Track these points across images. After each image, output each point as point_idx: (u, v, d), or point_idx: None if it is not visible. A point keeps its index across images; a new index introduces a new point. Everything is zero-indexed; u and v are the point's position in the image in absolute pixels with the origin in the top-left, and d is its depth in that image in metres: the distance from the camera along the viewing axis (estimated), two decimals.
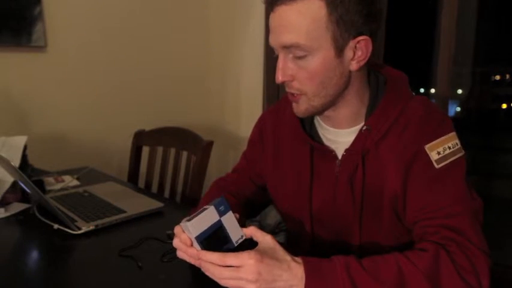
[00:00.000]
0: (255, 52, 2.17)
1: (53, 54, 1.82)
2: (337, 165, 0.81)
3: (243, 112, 2.32)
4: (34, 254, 0.87)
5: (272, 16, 0.74)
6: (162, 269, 0.80)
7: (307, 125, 0.87)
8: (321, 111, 0.80)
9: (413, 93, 0.82)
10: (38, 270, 0.81)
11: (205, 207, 0.67)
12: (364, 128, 0.78)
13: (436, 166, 0.73)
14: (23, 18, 1.70)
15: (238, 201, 0.95)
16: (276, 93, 2.05)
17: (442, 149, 0.74)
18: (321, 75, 0.73)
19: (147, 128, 1.68)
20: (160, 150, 1.59)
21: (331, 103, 0.78)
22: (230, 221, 0.68)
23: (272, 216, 2.01)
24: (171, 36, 2.25)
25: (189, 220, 0.65)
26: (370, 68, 0.83)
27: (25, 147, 1.30)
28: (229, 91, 2.39)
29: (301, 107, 0.78)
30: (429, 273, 0.64)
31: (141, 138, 1.67)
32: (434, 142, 0.74)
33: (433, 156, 0.73)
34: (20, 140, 1.30)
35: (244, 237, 0.69)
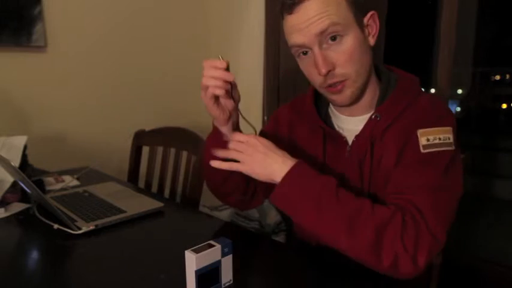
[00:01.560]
0: (255, 52, 2.17)
1: (53, 54, 1.82)
2: (348, 150, 0.87)
3: (243, 112, 2.31)
4: (34, 254, 0.87)
5: (291, 17, 0.79)
6: (162, 269, 0.80)
7: (321, 115, 0.93)
8: (359, 96, 0.85)
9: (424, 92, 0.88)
10: (38, 270, 0.81)
11: (212, 243, 0.68)
12: (373, 116, 0.84)
13: (422, 151, 0.78)
14: (23, 18, 1.70)
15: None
16: (276, 93, 2.05)
17: (433, 137, 0.78)
18: (358, 53, 0.79)
19: (147, 128, 1.68)
20: (160, 150, 1.59)
21: (365, 87, 0.84)
22: (227, 263, 0.70)
23: (272, 216, 2.01)
24: (171, 36, 2.25)
25: (195, 252, 0.65)
26: (379, 66, 0.90)
27: (25, 147, 1.30)
28: None
29: (346, 93, 0.82)
30: (379, 222, 0.71)
31: (141, 138, 1.67)
32: (426, 129, 0.79)
33: (422, 141, 0.78)
34: (20, 140, 1.30)
35: (231, 281, 0.71)
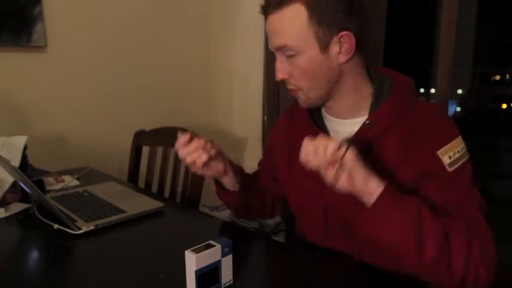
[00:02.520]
0: (255, 53, 2.17)
1: (53, 54, 1.82)
2: None
3: (243, 113, 2.32)
4: (34, 254, 0.87)
5: (266, 23, 0.85)
6: (162, 269, 0.80)
7: (315, 118, 0.95)
8: (320, 103, 0.89)
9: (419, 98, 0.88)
10: (38, 270, 0.81)
11: (212, 243, 0.68)
12: (367, 122, 0.84)
13: (449, 170, 0.79)
14: (23, 18, 1.70)
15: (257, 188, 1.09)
16: (276, 93, 2.05)
17: (453, 153, 0.80)
18: (311, 71, 0.83)
19: (147, 128, 1.68)
20: (160, 150, 1.59)
21: (328, 94, 0.87)
22: (227, 263, 0.70)
23: None
24: (171, 36, 2.25)
25: (195, 252, 0.65)
26: (370, 68, 0.90)
27: (25, 147, 1.30)
28: (229, 91, 2.39)
29: (301, 101, 0.88)
30: (465, 257, 0.72)
31: (141, 138, 1.67)
32: (445, 147, 0.80)
33: (445, 160, 0.79)
34: (20, 140, 1.30)
35: (231, 281, 0.71)
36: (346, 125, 0.89)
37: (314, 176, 0.86)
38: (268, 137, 1.13)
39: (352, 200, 0.83)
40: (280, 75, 0.85)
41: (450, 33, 1.67)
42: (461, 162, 0.80)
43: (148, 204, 1.14)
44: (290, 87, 0.87)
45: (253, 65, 2.19)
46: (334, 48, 0.81)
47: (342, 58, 0.83)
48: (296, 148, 0.95)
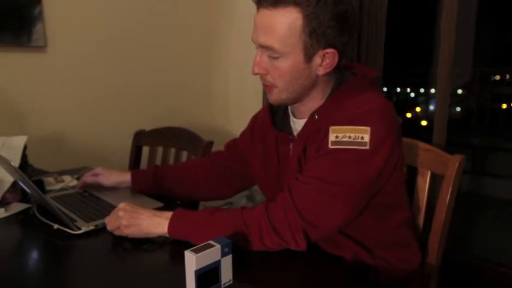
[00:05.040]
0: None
1: (53, 54, 1.82)
2: (291, 148, 0.93)
3: (242, 113, 2.32)
4: (34, 254, 0.87)
5: (256, 15, 0.84)
6: (162, 268, 0.80)
7: (280, 116, 1.00)
8: (288, 103, 0.93)
9: (378, 91, 0.89)
10: (38, 270, 0.81)
11: (212, 243, 0.68)
12: (314, 114, 0.88)
13: (329, 146, 0.81)
14: (23, 18, 1.70)
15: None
16: None
17: (342, 135, 0.81)
18: (290, 75, 0.84)
19: (147, 128, 1.68)
20: (160, 150, 1.59)
21: (298, 98, 0.90)
22: (227, 263, 0.70)
23: None
24: (171, 36, 2.25)
25: (195, 252, 0.65)
26: (343, 68, 0.93)
27: (25, 147, 1.30)
28: (228, 92, 2.39)
29: (272, 97, 0.90)
30: (247, 223, 0.81)
31: (141, 138, 1.67)
32: (339, 127, 0.81)
33: (331, 137, 0.81)
34: (20, 140, 1.30)
35: (231, 281, 0.71)
36: (301, 123, 0.92)
37: (274, 168, 0.97)
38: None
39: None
40: (257, 69, 0.86)
41: (450, 33, 1.67)
42: (344, 146, 0.80)
43: (148, 204, 1.14)
44: (265, 82, 0.89)
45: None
46: (317, 60, 0.83)
47: (321, 71, 0.85)
48: (265, 142, 1.02)
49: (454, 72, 1.71)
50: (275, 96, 0.89)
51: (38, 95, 1.81)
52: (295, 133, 0.95)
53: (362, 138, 0.79)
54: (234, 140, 1.18)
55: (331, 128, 0.82)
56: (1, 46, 1.68)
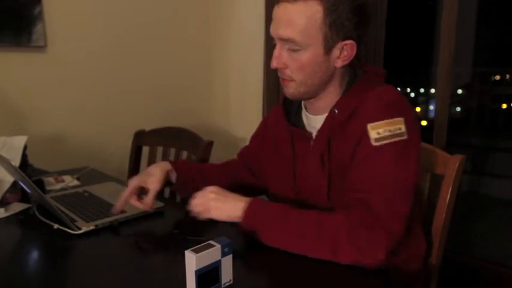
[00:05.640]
0: (254, 54, 2.17)
1: (53, 54, 1.82)
2: (311, 145, 0.93)
3: (242, 113, 2.32)
4: (34, 254, 0.87)
5: (276, 9, 0.85)
6: (162, 269, 0.80)
7: (292, 113, 1.01)
8: (305, 98, 0.94)
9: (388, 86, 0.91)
10: (38, 270, 0.81)
11: (212, 243, 0.68)
12: (332, 110, 0.89)
13: (373, 144, 0.82)
14: (23, 18, 1.70)
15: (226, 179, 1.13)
16: (275, 93, 2.05)
17: (383, 130, 0.82)
18: (309, 68, 0.86)
19: (147, 128, 1.68)
20: (160, 150, 1.59)
21: (315, 92, 0.91)
22: (227, 263, 0.70)
23: None
24: (171, 37, 2.25)
25: (195, 252, 0.65)
26: (354, 66, 0.94)
27: (25, 147, 1.30)
28: (228, 92, 2.39)
29: (289, 91, 0.91)
30: (329, 236, 0.77)
31: (141, 138, 1.67)
32: (376, 123, 0.82)
33: (373, 134, 0.82)
34: (20, 140, 1.30)
35: (231, 281, 0.71)
36: (319, 120, 0.93)
37: (290, 165, 0.97)
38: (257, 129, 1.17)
39: (315, 185, 0.91)
40: (276, 63, 0.87)
41: (450, 33, 1.67)
42: (389, 140, 0.81)
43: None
44: (283, 76, 0.89)
45: (253, 65, 2.19)
46: (335, 52, 0.85)
47: (339, 63, 0.87)
48: (278, 144, 1.02)
49: (454, 72, 1.71)
50: (293, 90, 0.90)
51: (38, 95, 1.81)
52: (308, 129, 0.96)
53: (400, 129, 0.82)
54: (247, 147, 1.19)
55: (369, 125, 0.82)
56: (1, 46, 1.68)
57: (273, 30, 0.86)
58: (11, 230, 1.02)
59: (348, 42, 0.84)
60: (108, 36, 2.00)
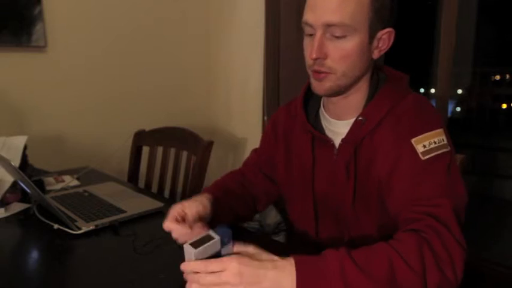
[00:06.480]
0: (254, 54, 2.17)
1: (53, 54, 1.82)
2: (335, 153, 0.88)
3: (242, 113, 2.32)
4: (34, 254, 0.87)
5: None
6: (162, 268, 0.80)
7: (311, 117, 0.95)
8: (339, 93, 0.85)
9: (412, 91, 0.88)
10: (38, 270, 0.81)
11: (211, 234, 0.67)
12: (359, 118, 0.84)
13: (422, 158, 0.78)
14: (23, 18, 1.70)
15: (242, 194, 1.04)
16: (276, 93, 2.05)
17: (428, 143, 0.79)
18: (354, 57, 0.80)
19: (147, 128, 1.68)
20: (160, 150, 1.59)
21: (349, 87, 0.85)
22: (228, 254, 0.69)
23: (272, 216, 2.01)
24: (171, 37, 2.25)
25: (194, 246, 0.64)
26: (373, 68, 0.90)
27: (25, 147, 1.30)
28: (228, 92, 2.39)
29: (325, 85, 0.83)
30: (418, 270, 0.65)
31: (141, 138, 1.67)
32: (420, 136, 0.79)
33: (419, 149, 0.78)
34: (20, 140, 1.30)
35: None
36: (341, 125, 0.89)
37: (309, 170, 0.92)
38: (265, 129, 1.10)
39: (338, 196, 0.88)
40: (316, 54, 0.79)
41: (450, 33, 1.67)
42: (436, 152, 0.78)
43: (148, 204, 1.14)
44: (322, 69, 0.81)
45: (253, 65, 2.19)
46: (375, 42, 0.82)
47: (376, 54, 0.83)
48: (293, 146, 0.98)
49: (454, 72, 1.71)
50: (331, 84, 0.83)
51: (38, 95, 1.81)
52: (327, 133, 0.91)
53: (443, 140, 0.80)
54: (257, 154, 1.10)
55: (413, 140, 0.79)
56: (1, 46, 1.68)
57: (315, 18, 0.79)
58: (11, 230, 1.02)
59: (387, 30, 0.81)
60: (108, 36, 2.00)
